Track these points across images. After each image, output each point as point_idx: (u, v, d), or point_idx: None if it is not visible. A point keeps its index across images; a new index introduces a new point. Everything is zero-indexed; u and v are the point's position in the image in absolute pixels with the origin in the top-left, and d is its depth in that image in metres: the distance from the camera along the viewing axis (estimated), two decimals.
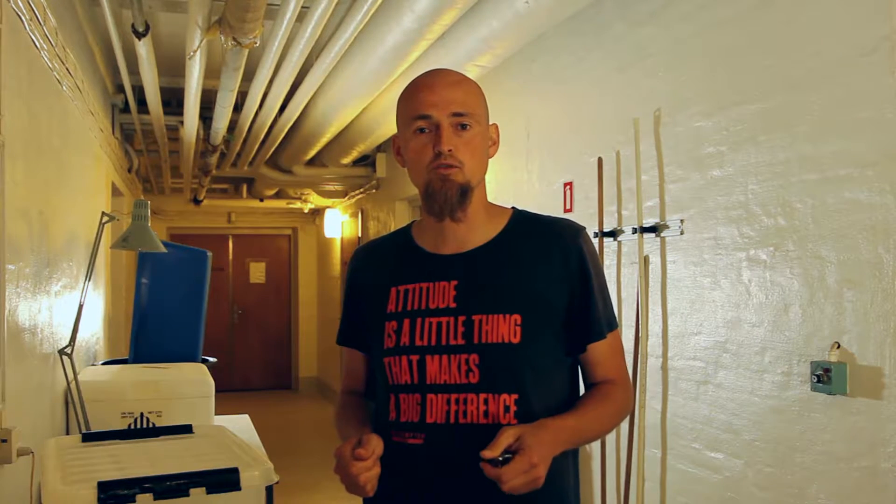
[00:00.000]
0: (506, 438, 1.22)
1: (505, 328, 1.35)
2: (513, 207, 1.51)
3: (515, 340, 1.35)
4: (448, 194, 1.36)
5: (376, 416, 1.48)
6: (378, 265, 1.52)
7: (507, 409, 1.35)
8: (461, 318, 1.37)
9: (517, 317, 1.35)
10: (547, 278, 1.39)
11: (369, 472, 1.28)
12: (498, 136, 1.48)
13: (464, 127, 1.37)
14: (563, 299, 1.39)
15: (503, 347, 1.35)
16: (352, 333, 1.56)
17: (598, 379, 1.44)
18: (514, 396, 1.35)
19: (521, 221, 1.47)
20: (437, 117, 1.36)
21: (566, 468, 1.43)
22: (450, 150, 1.35)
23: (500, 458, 1.21)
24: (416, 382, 1.38)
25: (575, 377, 1.47)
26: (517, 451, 1.21)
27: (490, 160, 1.46)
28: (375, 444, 1.29)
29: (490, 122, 1.46)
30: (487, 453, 1.21)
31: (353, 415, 1.51)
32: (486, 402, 1.35)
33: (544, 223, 1.47)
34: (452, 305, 1.38)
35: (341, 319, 1.59)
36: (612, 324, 1.45)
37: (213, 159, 6.07)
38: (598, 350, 1.42)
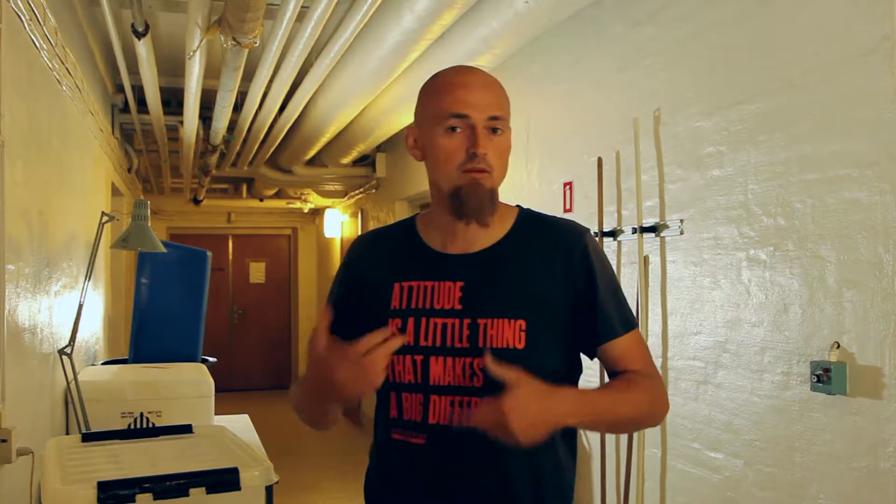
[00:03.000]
0: (506, 372, 1.21)
1: (510, 333, 1.34)
2: (518, 206, 1.50)
3: (520, 346, 1.34)
4: (482, 200, 1.35)
5: (375, 413, 1.47)
6: (380, 257, 1.49)
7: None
8: (466, 321, 1.36)
9: (522, 322, 1.34)
10: (551, 283, 1.38)
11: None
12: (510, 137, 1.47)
13: (495, 131, 1.37)
14: (567, 304, 1.38)
15: (507, 353, 1.33)
16: (338, 322, 1.48)
17: (621, 371, 1.41)
18: None
19: (527, 222, 1.46)
20: (475, 119, 1.35)
21: (567, 464, 1.43)
22: (484, 154, 1.34)
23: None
24: (420, 382, 1.37)
25: (577, 383, 1.46)
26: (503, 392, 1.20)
27: None
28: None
29: None
30: (491, 368, 1.21)
31: None
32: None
33: (549, 225, 1.46)
34: (458, 307, 1.37)
35: (328, 303, 1.51)
36: (627, 323, 1.41)
37: (213, 159, 6.07)
38: (615, 349, 1.39)
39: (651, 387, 1.39)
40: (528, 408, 1.20)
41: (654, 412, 1.41)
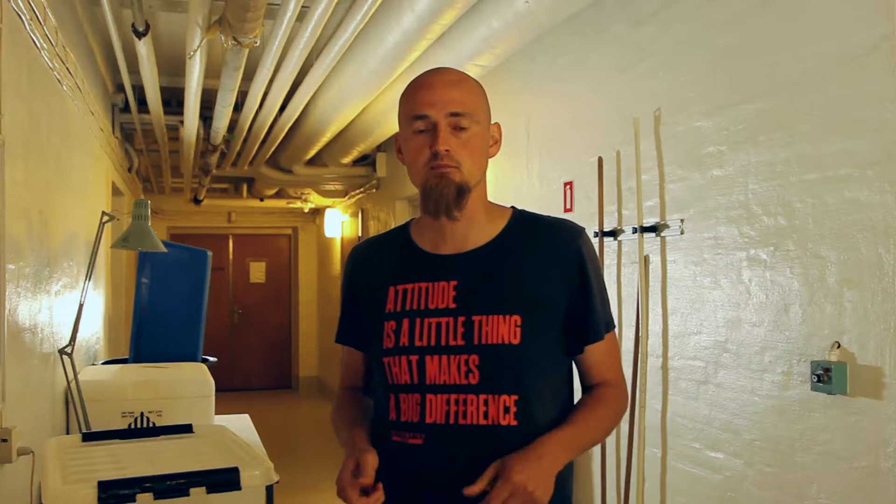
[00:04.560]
0: (490, 471, 1.26)
1: (505, 329, 1.35)
2: (512, 207, 1.50)
3: (515, 341, 1.34)
4: (444, 193, 1.35)
5: (376, 415, 1.48)
6: (376, 263, 1.51)
7: (506, 409, 1.34)
8: (461, 319, 1.36)
9: (517, 318, 1.35)
10: (547, 280, 1.39)
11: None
12: (500, 135, 1.47)
13: (462, 128, 1.36)
14: (562, 301, 1.39)
15: (503, 348, 1.34)
16: (351, 332, 1.55)
17: (595, 380, 1.45)
18: (514, 397, 1.35)
19: (521, 222, 1.46)
20: (435, 117, 1.35)
21: (566, 471, 1.43)
22: (446, 151, 1.34)
23: (488, 489, 1.25)
24: (416, 382, 1.37)
25: (573, 376, 1.47)
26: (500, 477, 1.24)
27: (490, 160, 1.45)
28: (372, 464, 1.30)
29: (492, 122, 1.45)
30: (470, 490, 1.25)
31: (350, 413, 1.51)
32: (486, 402, 1.34)
33: (544, 224, 1.47)
34: (452, 306, 1.37)
35: (340, 317, 1.58)
36: (609, 325, 1.45)
37: (214, 159, 6.07)
38: (595, 352, 1.43)
39: (620, 400, 1.46)
40: (537, 473, 1.25)
41: (619, 419, 1.48)
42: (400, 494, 1.40)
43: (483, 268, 1.40)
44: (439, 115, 1.35)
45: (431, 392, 1.36)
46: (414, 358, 1.38)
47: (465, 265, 1.41)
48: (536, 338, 1.36)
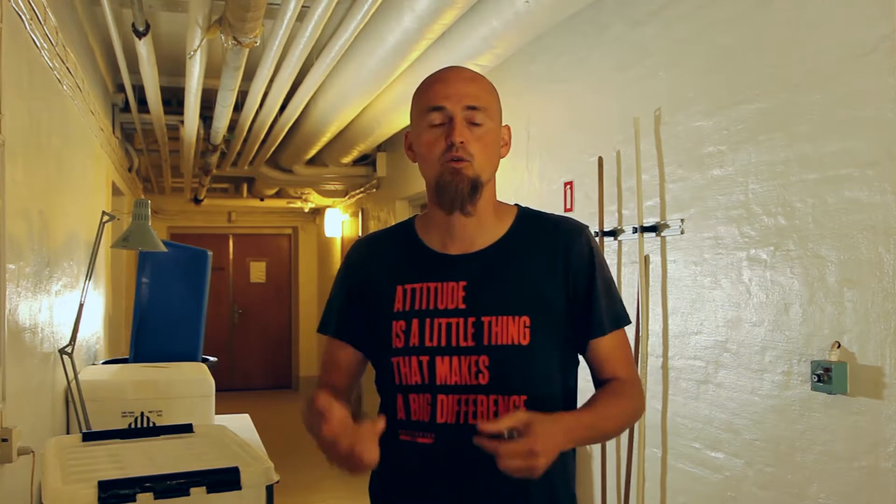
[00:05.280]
0: (512, 419, 1.20)
1: (514, 330, 1.35)
2: (516, 205, 1.51)
3: (524, 342, 1.35)
4: (459, 187, 1.35)
5: (379, 414, 1.47)
6: (381, 261, 1.50)
7: (516, 409, 1.34)
8: (471, 320, 1.36)
9: (526, 318, 1.35)
10: (553, 279, 1.39)
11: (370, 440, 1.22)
12: (510, 137, 1.47)
13: (477, 123, 1.37)
14: (568, 299, 1.39)
15: (512, 349, 1.34)
16: (347, 327, 1.51)
17: (607, 376, 1.43)
18: (524, 397, 1.35)
19: (526, 220, 1.47)
20: (451, 109, 1.36)
21: (571, 462, 1.44)
22: (462, 143, 1.34)
23: (506, 435, 1.19)
24: (427, 383, 1.37)
25: (576, 377, 1.47)
26: (522, 434, 1.19)
27: None
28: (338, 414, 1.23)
29: (503, 124, 1.46)
30: (489, 426, 1.19)
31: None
32: (495, 402, 1.35)
33: (549, 222, 1.47)
34: (462, 306, 1.37)
35: (330, 309, 1.53)
36: (618, 321, 1.43)
37: (214, 159, 6.07)
38: (603, 346, 1.41)
39: (637, 397, 1.43)
40: (554, 445, 1.21)
41: (636, 418, 1.46)
42: (408, 492, 1.40)
43: (491, 268, 1.40)
44: (456, 108, 1.36)
45: (442, 392, 1.36)
46: (424, 359, 1.37)
47: (474, 265, 1.41)
48: (545, 338, 1.36)
